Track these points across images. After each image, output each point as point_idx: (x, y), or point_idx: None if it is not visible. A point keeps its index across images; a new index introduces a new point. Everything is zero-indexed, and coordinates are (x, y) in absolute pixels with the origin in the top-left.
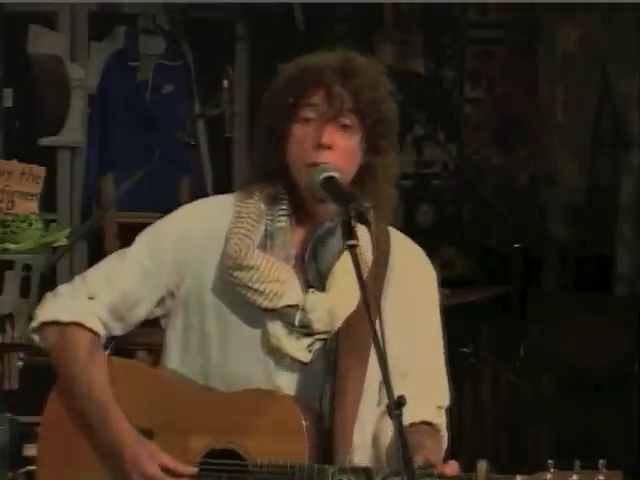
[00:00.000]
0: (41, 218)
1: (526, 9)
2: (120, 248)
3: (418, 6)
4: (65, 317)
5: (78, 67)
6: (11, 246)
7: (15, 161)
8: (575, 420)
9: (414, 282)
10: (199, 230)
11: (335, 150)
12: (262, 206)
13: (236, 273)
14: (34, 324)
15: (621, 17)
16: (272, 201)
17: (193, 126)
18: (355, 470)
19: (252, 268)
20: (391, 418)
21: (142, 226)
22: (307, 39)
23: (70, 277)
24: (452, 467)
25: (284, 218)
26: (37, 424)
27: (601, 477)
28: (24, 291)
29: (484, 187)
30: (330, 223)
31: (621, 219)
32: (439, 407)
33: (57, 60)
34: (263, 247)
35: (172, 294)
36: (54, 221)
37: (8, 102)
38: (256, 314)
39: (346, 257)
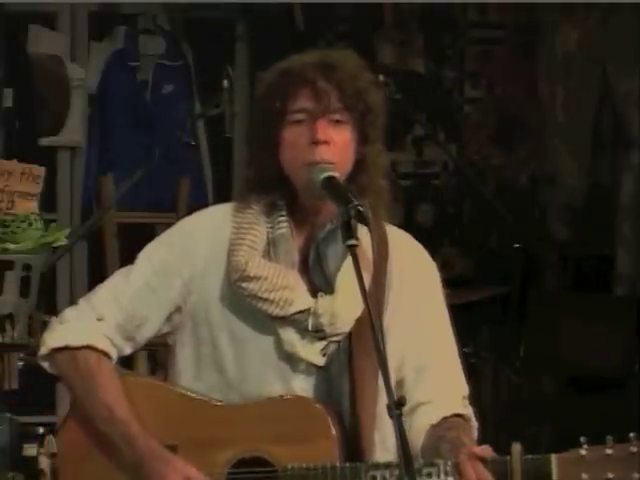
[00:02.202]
0: (41, 218)
1: (526, 9)
2: (119, 248)
3: (418, 6)
4: (76, 341)
5: (78, 67)
6: (11, 246)
7: (15, 161)
8: (575, 420)
9: (417, 275)
10: (202, 244)
11: (331, 145)
12: (262, 215)
13: (244, 284)
14: (44, 351)
15: (621, 17)
16: (271, 210)
17: (193, 126)
18: (388, 465)
19: (260, 278)
20: (391, 418)
21: (142, 226)
22: (307, 39)
23: (70, 277)
24: (486, 450)
25: (284, 225)
26: (37, 424)
27: (633, 449)
28: (24, 291)
29: (484, 187)
30: (331, 226)
31: (621, 219)
32: (464, 397)
33: (57, 60)
34: (267, 255)
35: (179, 309)
36: (54, 221)
37: (8, 102)
38: (266, 322)
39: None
